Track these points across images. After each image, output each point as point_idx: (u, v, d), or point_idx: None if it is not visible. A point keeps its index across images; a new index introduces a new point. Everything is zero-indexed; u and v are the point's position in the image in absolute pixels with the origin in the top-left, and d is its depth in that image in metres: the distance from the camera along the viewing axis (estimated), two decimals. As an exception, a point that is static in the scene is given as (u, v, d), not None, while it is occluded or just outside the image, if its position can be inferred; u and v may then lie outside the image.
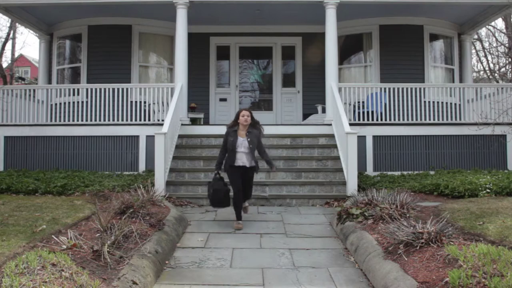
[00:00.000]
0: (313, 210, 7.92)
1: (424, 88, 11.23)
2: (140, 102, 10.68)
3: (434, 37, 13.07)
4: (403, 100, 10.68)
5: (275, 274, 4.67)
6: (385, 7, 11.60)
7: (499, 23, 27.59)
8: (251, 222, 6.91)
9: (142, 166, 10.27)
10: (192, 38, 11.50)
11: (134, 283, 4.06)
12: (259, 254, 5.35)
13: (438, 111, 10.91)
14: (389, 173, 9.97)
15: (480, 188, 7.54)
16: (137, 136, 10.40)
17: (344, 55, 13.06)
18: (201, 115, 12.32)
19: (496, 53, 28.28)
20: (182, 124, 10.31)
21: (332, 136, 9.87)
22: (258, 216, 7.41)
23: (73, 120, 10.84)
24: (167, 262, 5.04)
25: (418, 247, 4.68)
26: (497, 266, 3.94)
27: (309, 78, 13.10)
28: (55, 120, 11.23)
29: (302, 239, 6.00)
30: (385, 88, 10.93)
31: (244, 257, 5.21)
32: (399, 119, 10.65)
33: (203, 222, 7.00)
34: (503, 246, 4.68)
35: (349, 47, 13.19)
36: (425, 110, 10.82)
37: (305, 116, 12.68)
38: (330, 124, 10.14)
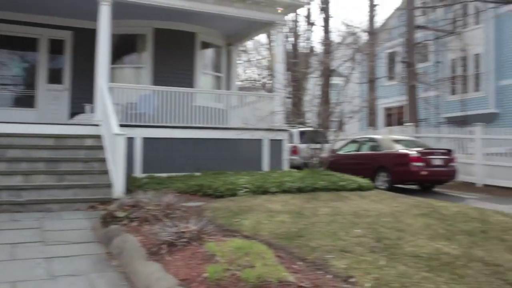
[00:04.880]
0: (76, 214, 7.46)
1: (194, 93, 11.67)
2: None
3: (205, 45, 13.73)
4: (174, 104, 10.92)
5: (28, 287, 4.24)
6: (160, 11, 11.64)
7: (264, 39, 30.63)
8: (2, 232, 6.16)
9: None
10: None
11: None
12: (11, 266, 4.78)
13: (206, 116, 11.46)
14: (158, 174, 10.03)
15: (239, 188, 8.17)
16: None
17: (118, 54, 12.70)
18: None
19: (259, 65, 31.36)
20: None
21: (100, 137, 9.49)
22: (12, 224, 6.63)
23: None
24: None
25: (180, 246, 4.81)
26: (250, 258, 4.28)
27: (79, 76, 12.40)
28: None
29: (62, 246, 5.59)
30: (157, 91, 11.03)
31: (-9, 271, 4.61)
32: (170, 122, 10.86)
33: None
34: (256, 239, 5.13)
35: (124, 47, 12.91)
36: (194, 114, 11.24)
37: (74, 115, 11.98)
38: (99, 125, 9.76)
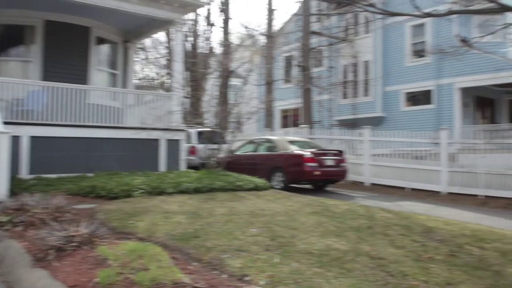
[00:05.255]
0: (-48, 219, 6.82)
1: (87, 90, 11.17)
2: None
3: (101, 41, 13.21)
4: (66, 101, 10.40)
5: None
6: (52, 2, 11.00)
7: (163, 37, 30.17)
8: None
9: None
10: None
11: None
12: None
13: (101, 114, 11.03)
14: (47, 175, 9.48)
15: (134, 189, 7.96)
16: None
17: (3, 46, 11.81)
18: None
19: (157, 63, 30.83)
20: None
21: (-19, 135, 8.76)
22: None
23: None
24: None
25: (70, 251, 4.59)
26: (144, 261, 4.21)
27: (-45, 69, 11.36)
28: None
29: None
30: (47, 87, 10.41)
31: None
32: (61, 120, 10.30)
33: None
34: (151, 241, 5.03)
35: (10, 39, 11.99)
36: (88, 112, 10.78)
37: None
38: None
